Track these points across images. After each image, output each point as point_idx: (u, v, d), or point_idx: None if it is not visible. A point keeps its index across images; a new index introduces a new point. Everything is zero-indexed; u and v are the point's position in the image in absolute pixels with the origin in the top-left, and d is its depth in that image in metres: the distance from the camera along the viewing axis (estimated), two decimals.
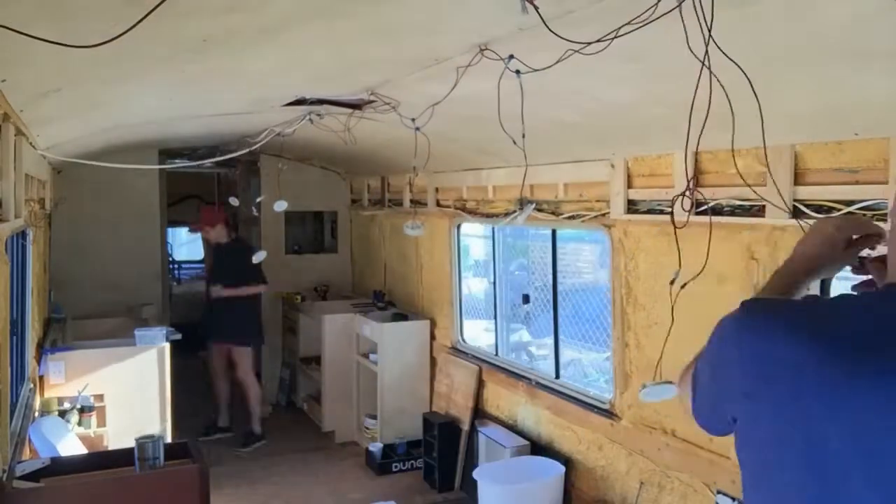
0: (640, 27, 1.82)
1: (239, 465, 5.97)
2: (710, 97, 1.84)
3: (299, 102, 3.91)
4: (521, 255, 6.21)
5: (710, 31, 1.69)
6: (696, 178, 2.46)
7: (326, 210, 7.98)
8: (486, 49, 2.48)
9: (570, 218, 4.26)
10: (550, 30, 1.86)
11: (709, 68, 1.75)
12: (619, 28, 1.92)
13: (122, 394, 4.87)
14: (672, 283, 2.42)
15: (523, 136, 3.01)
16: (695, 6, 1.69)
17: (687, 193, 2.88)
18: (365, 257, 7.74)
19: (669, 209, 3.42)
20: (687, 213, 2.46)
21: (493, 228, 5.56)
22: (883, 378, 0.92)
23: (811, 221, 2.79)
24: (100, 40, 1.63)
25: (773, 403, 1.02)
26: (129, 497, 3.21)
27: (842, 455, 0.93)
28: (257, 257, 5.79)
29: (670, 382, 2.43)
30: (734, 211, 3.01)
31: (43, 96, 2.70)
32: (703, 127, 1.95)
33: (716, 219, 2.69)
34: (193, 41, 2.08)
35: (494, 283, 5.66)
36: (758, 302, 1.18)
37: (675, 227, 2.23)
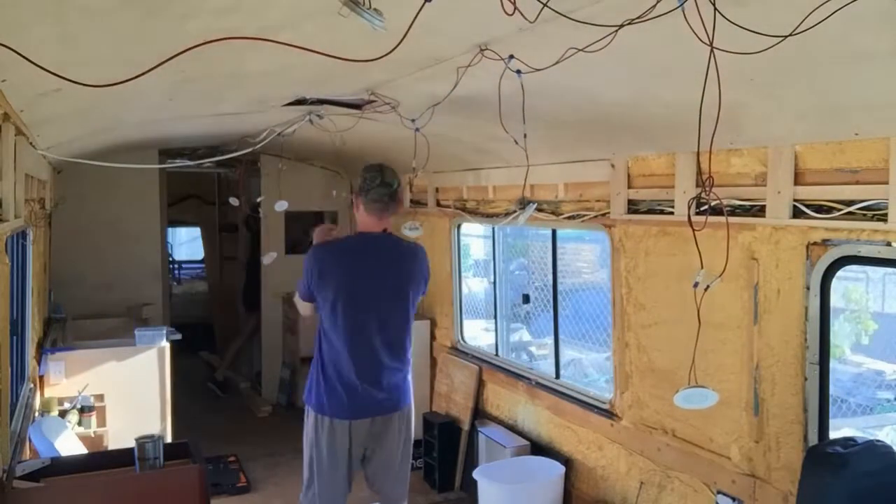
0: (643, 21, 1.82)
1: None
2: (720, 98, 1.84)
3: (299, 102, 3.91)
4: (521, 255, 6.21)
5: (713, 30, 1.69)
6: (712, 179, 2.44)
7: (326, 210, 7.97)
8: (487, 49, 2.48)
9: (570, 218, 4.26)
10: (568, 17, 1.86)
11: (716, 69, 1.75)
12: (620, 26, 1.92)
13: (122, 394, 4.87)
14: (695, 286, 2.41)
15: (525, 136, 3.01)
16: (696, 5, 1.69)
17: (703, 195, 2.87)
18: None
19: (671, 209, 3.43)
20: (705, 216, 2.44)
21: (493, 228, 5.56)
22: (356, 257, 3.42)
23: (811, 221, 2.79)
24: (100, 42, 1.62)
25: (332, 277, 3.39)
26: (129, 497, 3.21)
27: (355, 289, 3.38)
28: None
29: (705, 387, 2.38)
30: (734, 211, 3.01)
31: (43, 96, 2.69)
32: (716, 128, 1.95)
33: (715, 219, 2.69)
34: (193, 41, 2.08)
35: (494, 282, 5.66)
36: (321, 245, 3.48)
37: (694, 230, 2.21)
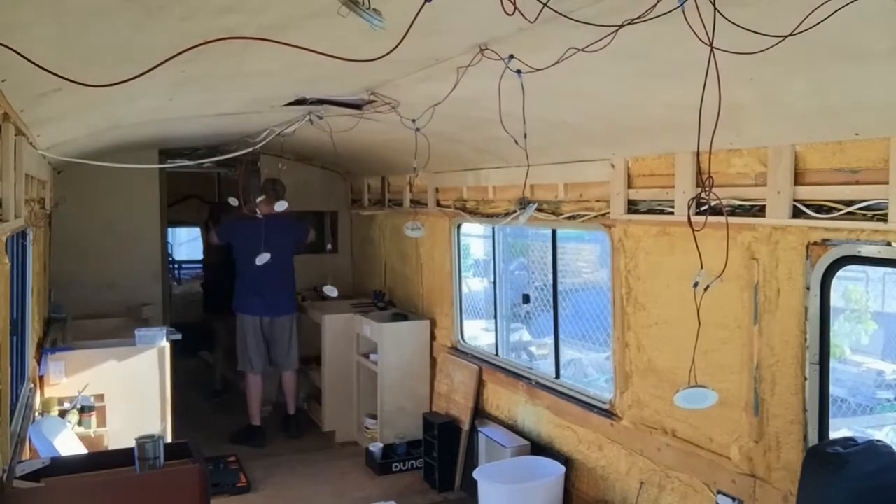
0: (642, 22, 1.82)
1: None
2: (720, 98, 1.84)
3: (299, 102, 3.91)
4: (521, 255, 6.21)
5: (713, 30, 1.69)
6: (712, 179, 2.44)
7: (326, 210, 7.97)
8: (487, 49, 2.48)
9: (570, 218, 4.26)
10: (568, 17, 1.86)
11: (716, 69, 1.75)
12: (620, 26, 1.92)
13: (122, 394, 4.87)
14: (696, 286, 2.41)
15: (525, 136, 3.01)
16: (696, 5, 1.69)
17: (702, 195, 2.87)
18: (365, 257, 7.74)
19: (671, 209, 3.43)
20: (705, 216, 2.44)
21: (493, 228, 5.56)
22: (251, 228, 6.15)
23: (811, 221, 2.80)
24: (100, 41, 1.62)
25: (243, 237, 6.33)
26: (129, 497, 3.21)
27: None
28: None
29: (705, 387, 2.39)
30: (734, 211, 3.01)
31: (43, 96, 2.69)
32: (715, 128, 1.95)
33: (715, 218, 2.69)
34: (193, 41, 2.08)
35: (494, 282, 5.66)
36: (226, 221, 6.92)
37: (694, 230, 2.21)
